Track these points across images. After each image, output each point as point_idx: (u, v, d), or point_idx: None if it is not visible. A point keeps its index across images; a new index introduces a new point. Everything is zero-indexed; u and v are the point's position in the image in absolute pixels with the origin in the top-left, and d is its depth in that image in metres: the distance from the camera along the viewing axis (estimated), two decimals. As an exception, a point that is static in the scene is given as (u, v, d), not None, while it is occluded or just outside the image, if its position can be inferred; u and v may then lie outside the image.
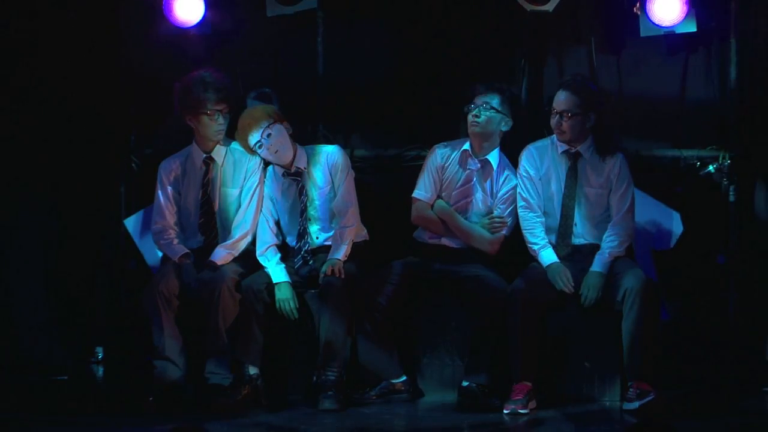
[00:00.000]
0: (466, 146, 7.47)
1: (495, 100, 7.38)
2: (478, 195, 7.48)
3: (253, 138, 7.31)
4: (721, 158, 7.93)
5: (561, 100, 7.26)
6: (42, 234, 8.01)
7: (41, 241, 8.02)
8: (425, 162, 7.55)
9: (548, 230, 7.35)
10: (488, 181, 7.48)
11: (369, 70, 8.11)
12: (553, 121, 7.28)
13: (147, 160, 7.92)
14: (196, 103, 7.37)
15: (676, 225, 7.75)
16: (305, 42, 8.11)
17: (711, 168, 7.94)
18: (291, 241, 7.49)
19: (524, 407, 6.95)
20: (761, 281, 7.87)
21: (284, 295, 7.23)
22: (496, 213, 7.45)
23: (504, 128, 7.45)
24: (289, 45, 8.12)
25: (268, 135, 7.30)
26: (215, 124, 7.40)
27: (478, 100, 7.38)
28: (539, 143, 7.45)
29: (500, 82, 7.53)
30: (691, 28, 7.76)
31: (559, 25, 8.02)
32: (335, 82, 8.12)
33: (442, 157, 7.50)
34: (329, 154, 7.48)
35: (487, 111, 7.37)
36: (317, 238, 7.47)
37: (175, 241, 7.43)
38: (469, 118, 7.40)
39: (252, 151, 7.37)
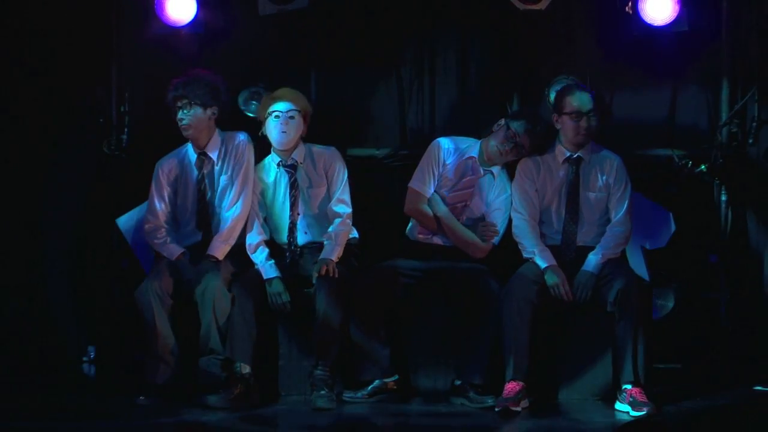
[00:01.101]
0: (474, 153, 7.45)
1: (527, 141, 7.31)
2: (475, 201, 7.47)
3: (279, 106, 7.33)
4: (713, 158, 7.93)
5: (586, 100, 7.24)
6: (34, 233, 8.00)
7: (33, 240, 8.00)
8: (427, 154, 7.51)
9: (545, 237, 7.34)
10: (486, 189, 7.48)
11: (361, 69, 8.11)
12: (577, 123, 7.24)
13: (139, 158, 7.91)
14: (169, 100, 7.40)
15: (668, 224, 7.75)
16: (297, 41, 8.10)
17: (703, 167, 7.95)
18: (279, 237, 7.47)
19: (516, 405, 6.95)
20: (753, 280, 7.89)
21: (276, 290, 7.24)
22: (489, 220, 7.45)
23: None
24: (282, 44, 8.12)
25: (291, 116, 7.32)
26: (176, 117, 7.39)
27: (520, 138, 7.30)
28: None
29: (538, 120, 7.41)
30: (683, 27, 7.77)
31: (552, 24, 8.03)
32: (328, 81, 8.11)
33: (446, 154, 7.48)
34: (326, 155, 7.48)
35: (518, 152, 7.35)
36: (305, 233, 7.46)
37: (169, 240, 7.43)
38: (500, 136, 7.34)
39: (263, 113, 7.36)
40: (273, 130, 7.38)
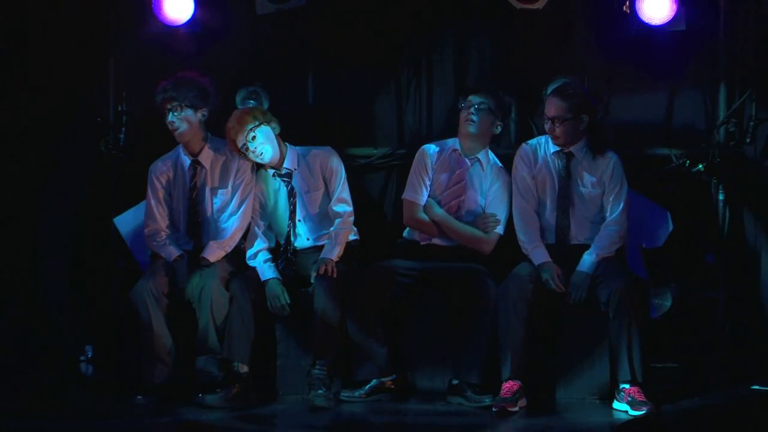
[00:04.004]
0: (456, 145, 7.46)
1: (490, 102, 7.36)
2: (470, 194, 7.47)
3: (239, 142, 7.30)
4: (710, 157, 7.93)
5: (551, 106, 7.24)
6: (31, 232, 8.00)
7: (30, 239, 8.00)
8: (415, 162, 7.52)
9: (541, 230, 7.34)
10: (478, 180, 7.47)
11: (359, 68, 8.10)
12: (546, 126, 7.27)
13: (136, 158, 7.92)
14: (157, 106, 7.39)
15: (666, 223, 7.75)
16: (295, 40, 8.10)
17: (700, 167, 7.95)
18: (281, 241, 7.49)
19: (513, 405, 6.95)
20: (750, 280, 7.89)
21: (274, 292, 7.23)
22: (488, 211, 7.44)
23: (495, 131, 7.45)
24: (279, 43, 8.12)
25: (252, 138, 7.29)
26: (167, 121, 7.37)
27: (474, 99, 7.37)
28: (533, 141, 7.43)
29: (495, 84, 7.49)
30: (681, 26, 7.77)
31: (549, 23, 8.03)
32: (325, 80, 8.11)
33: (431, 158, 7.49)
34: (323, 157, 7.47)
35: (482, 112, 7.36)
36: (308, 239, 7.47)
37: (168, 243, 7.43)
38: (463, 115, 7.39)
39: (241, 153, 7.36)
40: (255, 159, 7.37)
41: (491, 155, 7.51)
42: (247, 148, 7.30)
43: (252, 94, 7.89)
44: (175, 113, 7.35)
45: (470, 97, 7.39)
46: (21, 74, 7.95)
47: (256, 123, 7.30)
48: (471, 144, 7.44)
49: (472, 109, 7.37)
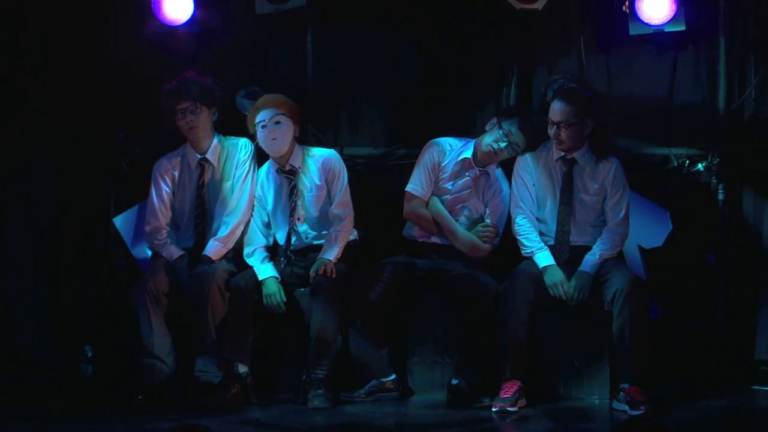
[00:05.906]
0: (469, 153, 7.44)
1: (521, 139, 7.29)
2: (473, 201, 7.46)
3: (263, 115, 7.31)
4: (710, 157, 7.93)
5: (557, 110, 7.20)
6: (31, 232, 8.00)
7: (30, 239, 8.00)
8: (422, 156, 7.50)
9: (542, 236, 7.33)
10: (484, 189, 7.46)
11: (358, 69, 8.11)
12: (551, 131, 7.24)
13: (136, 158, 7.92)
14: (166, 107, 7.40)
15: (665, 223, 7.75)
16: (294, 40, 8.10)
17: (700, 167, 7.95)
18: (279, 239, 7.49)
19: (513, 405, 6.95)
20: (750, 279, 7.88)
21: (270, 290, 7.24)
22: (488, 221, 7.43)
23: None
24: (279, 43, 8.12)
25: (277, 122, 7.31)
26: (181, 121, 7.40)
27: (513, 137, 7.30)
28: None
29: (531, 117, 7.39)
30: (680, 27, 7.77)
31: (549, 23, 8.03)
32: (324, 81, 8.11)
33: (441, 156, 7.47)
34: (325, 159, 7.47)
35: (512, 150, 7.33)
36: (306, 238, 7.47)
37: (169, 242, 7.43)
38: (492, 143, 7.29)
39: (252, 128, 7.35)
40: (263, 140, 7.37)
41: (499, 168, 7.50)
42: (265, 126, 7.29)
43: (251, 94, 7.89)
44: (192, 112, 7.36)
45: (510, 131, 7.26)
46: (20, 74, 7.95)
47: (287, 113, 7.32)
48: (487, 160, 7.42)
49: (504, 145, 7.27)
